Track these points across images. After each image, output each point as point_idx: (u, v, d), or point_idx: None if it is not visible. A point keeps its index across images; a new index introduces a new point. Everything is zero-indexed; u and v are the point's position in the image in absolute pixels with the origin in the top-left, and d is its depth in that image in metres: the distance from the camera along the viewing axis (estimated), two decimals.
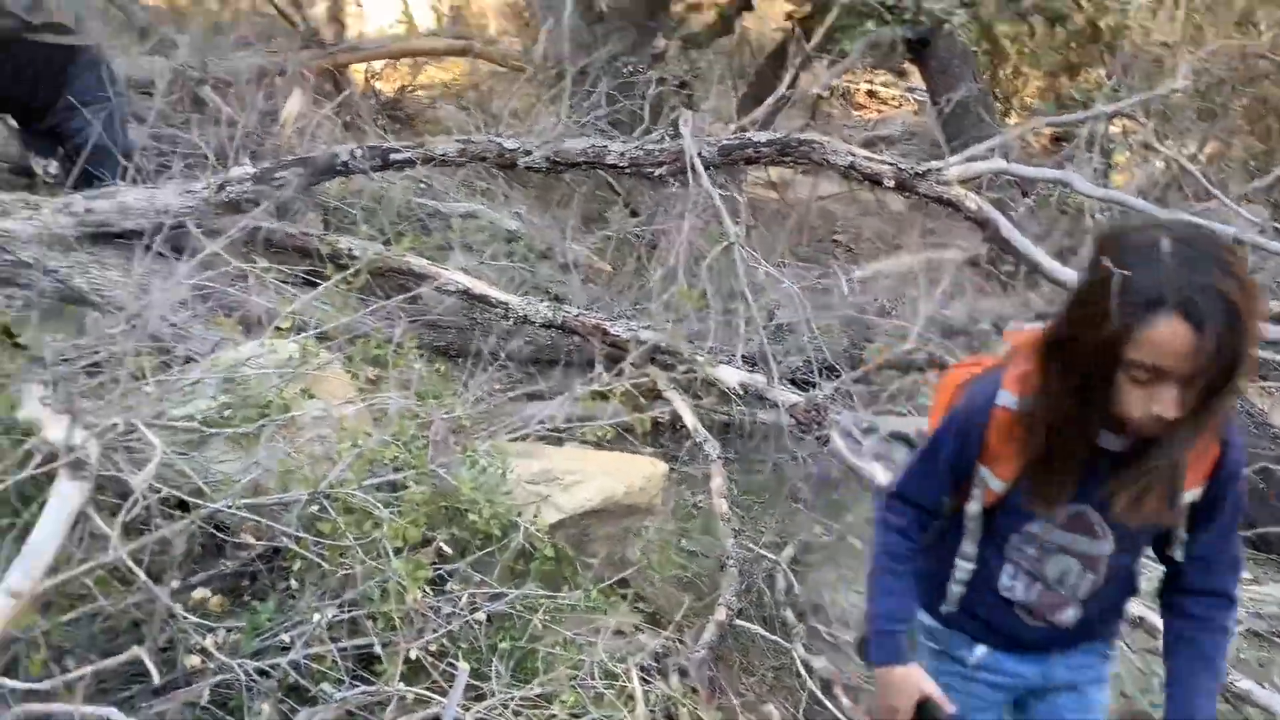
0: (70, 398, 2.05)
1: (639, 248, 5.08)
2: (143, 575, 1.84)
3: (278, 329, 2.68)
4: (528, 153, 3.78)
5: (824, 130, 4.60)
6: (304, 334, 2.67)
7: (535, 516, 2.47)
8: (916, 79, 7.78)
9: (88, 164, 3.49)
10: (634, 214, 5.42)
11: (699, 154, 3.66)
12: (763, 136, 3.69)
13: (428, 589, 2.16)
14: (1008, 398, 1.50)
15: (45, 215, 3.56)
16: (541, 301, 3.87)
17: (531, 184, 5.75)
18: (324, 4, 8.39)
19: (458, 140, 3.84)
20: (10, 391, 2.48)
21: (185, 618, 1.94)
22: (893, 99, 10.44)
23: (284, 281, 3.77)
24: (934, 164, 3.64)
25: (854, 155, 3.54)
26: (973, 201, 3.59)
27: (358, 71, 8.32)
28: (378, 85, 8.68)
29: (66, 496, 1.79)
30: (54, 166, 3.39)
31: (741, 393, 3.42)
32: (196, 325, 3.00)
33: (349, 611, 2.09)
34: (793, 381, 3.61)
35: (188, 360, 2.78)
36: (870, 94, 10.48)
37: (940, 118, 5.75)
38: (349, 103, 5.68)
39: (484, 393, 2.90)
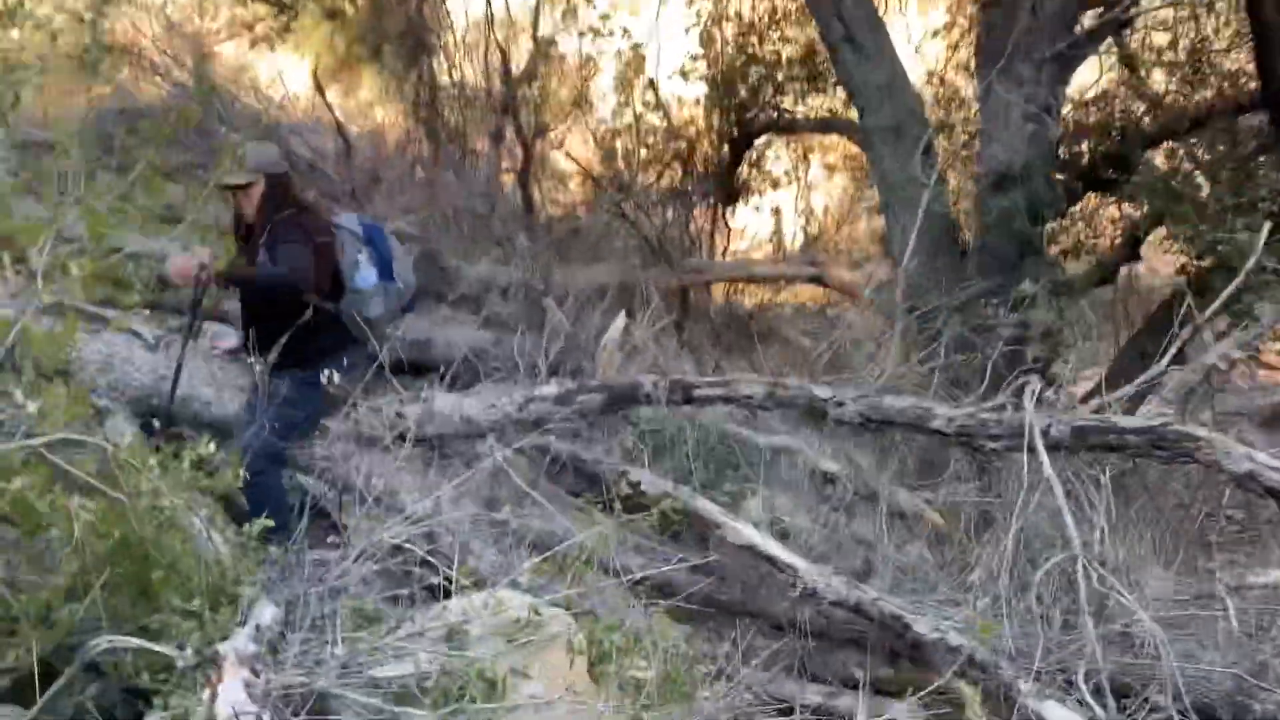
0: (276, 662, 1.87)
1: (972, 516, 4.38)
2: None
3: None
4: (840, 404, 3.38)
5: (1217, 421, 3.72)
6: (537, 597, 2.38)
7: None
8: None
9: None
10: (981, 469, 4.72)
11: (1044, 431, 3.04)
12: (1130, 422, 2.99)
13: None
14: None
15: (360, 413, 3.68)
16: (835, 575, 3.33)
17: None
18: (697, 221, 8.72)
19: (765, 382, 3.52)
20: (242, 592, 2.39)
21: None
22: None
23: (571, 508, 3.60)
24: None
25: (1254, 462, 2.75)
26: None
27: (717, 289, 8.49)
28: (737, 300, 8.79)
29: None
30: (337, 376, 3.46)
31: None
32: (489, 550, 2.89)
33: None
34: None
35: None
36: None
37: None
38: (687, 323, 5.66)
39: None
